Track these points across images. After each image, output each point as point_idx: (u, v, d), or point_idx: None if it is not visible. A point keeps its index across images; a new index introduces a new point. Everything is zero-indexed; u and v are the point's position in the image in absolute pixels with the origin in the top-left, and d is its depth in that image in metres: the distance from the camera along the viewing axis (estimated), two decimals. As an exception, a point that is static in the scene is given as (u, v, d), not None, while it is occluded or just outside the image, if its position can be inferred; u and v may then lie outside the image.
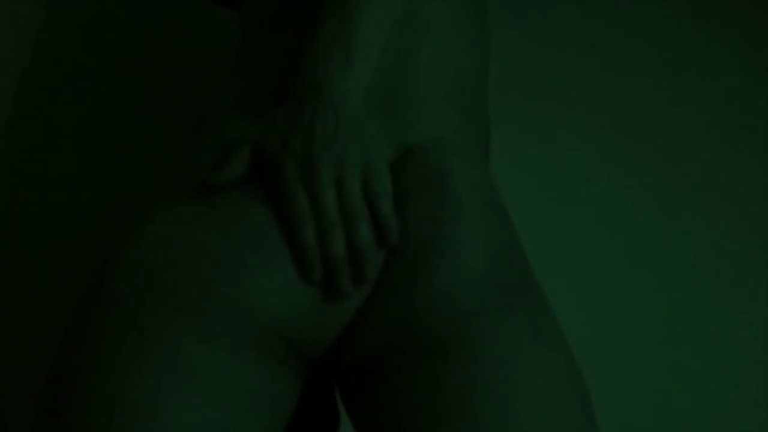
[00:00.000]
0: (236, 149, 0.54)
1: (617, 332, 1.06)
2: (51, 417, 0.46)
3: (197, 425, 0.45)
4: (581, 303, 1.07)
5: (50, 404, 0.46)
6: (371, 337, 0.52)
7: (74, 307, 0.92)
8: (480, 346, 0.50)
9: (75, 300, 0.93)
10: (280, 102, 0.57)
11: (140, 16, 1.09)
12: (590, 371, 1.03)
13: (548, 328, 0.53)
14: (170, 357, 0.46)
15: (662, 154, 1.18)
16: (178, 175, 0.58)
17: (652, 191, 1.15)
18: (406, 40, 0.63)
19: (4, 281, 0.91)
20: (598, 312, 1.07)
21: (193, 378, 0.46)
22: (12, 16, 1.04)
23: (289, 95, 0.57)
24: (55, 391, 0.47)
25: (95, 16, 1.08)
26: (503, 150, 1.13)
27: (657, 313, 1.08)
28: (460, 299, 0.51)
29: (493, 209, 0.57)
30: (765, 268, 1.13)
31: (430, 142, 0.59)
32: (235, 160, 0.53)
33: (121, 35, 1.07)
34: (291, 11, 0.65)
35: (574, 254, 1.09)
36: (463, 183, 0.56)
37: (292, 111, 0.55)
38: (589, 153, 1.16)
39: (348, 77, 0.57)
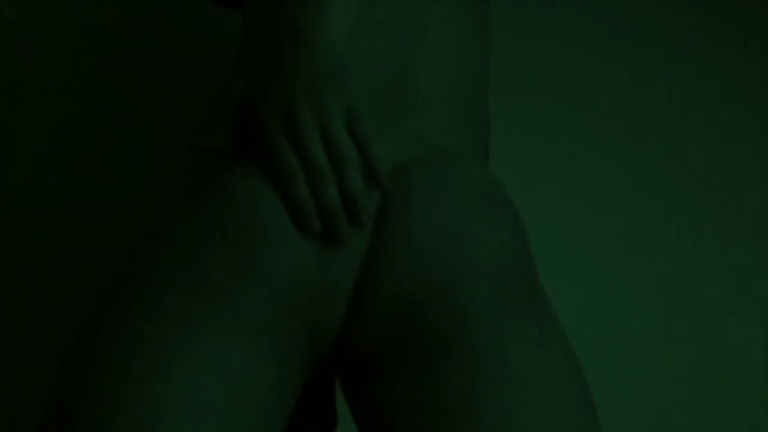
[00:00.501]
0: (220, 110, 0.54)
1: (617, 332, 1.06)
2: (67, 413, 0.45)
3: (211, 424, 0.45)
4: (582, 303, 1.07)
5: (64, 400, 0.46)
6: (376, 331, 0.52)
7: (84, 309, 0.92)
8: (483, 344, 0.50)
9: (82, 300, 0.92)
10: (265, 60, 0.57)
11: (142, 16, 1.09)
12: (590, 371, 1.03)
13: (551, 327, 0.53)
14: (192, 355, 0.45)
15: (663, 153, 1.18)
16: (187, 169, 0.58)
17: (652, 190, 1.15)
18: (406, 42, 0.64)
19: (16, 279, 0.91)
20: (599, 312, 1.07)
21: (215, 375, 0.46)
22: (11, 16, 1.05)
23: (270, 46, 0.56)
24: (69, 388, 0.46)
25: (96, 16, 1.08)
26: (503, 149, 1.13)
27: (657, 312, 1.08)
28: (463, 295, 0.51)
29: (500, 211, 0.57)
30: (766, 267, 1.13)
31: (433, 145, 0.59)
32: (219, 122, 0.53)
33: (122, 36, 1.07)
34: None
35: (573, 254, 1.09)
36: (469, 185, 0.56)
37: (272, 62, 0.54)
38: (588, 153, 1.16)
39: (326, 22, 0.56)
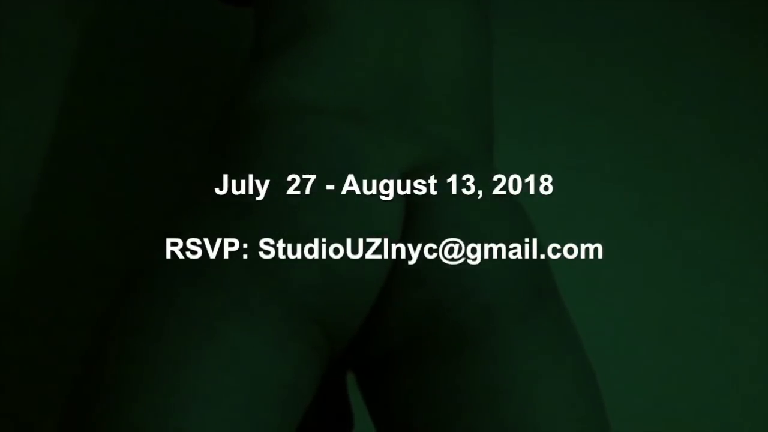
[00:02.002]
0: None
1: (618, 333, 1.06)
2: (85, 404, 0.46)
3: (228, 417, 0.45)
4: (582, 303, 1.07)
5: (83, 391, 0.46)
6: (399, 328, 0.53)
7: (101, 303, 0.92)
8: (505, 342, 0.51)
9: (90, 296, 0.92)
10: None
11: (151, 16, 1.09)
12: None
13: (568, 328, 0.55)
14: (214, 346, 0.46)
15: (661, 153, 1.18)
16: (199, 170, 0.58)
17: (653, 189, 1.16)
18: (415, 41, 0.64)
19: (31, 276, 0.91)
20: (599, 312, 1.07)
21: (233, 367, 0.46)
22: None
23: None
24: (88, 380, 0.47)
25: (102, 17, 1.07)
26: (504, 148, 1.14)
27: (656, 313, 1.08)
28: (487, 295, 0.52)
29: (517, 216, 0.58)
30: (764, 268, 1.14)
31: (445, 144, 0.60)
32: None
33: (131, 36, 1.07)
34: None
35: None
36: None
37: None
38: (587, 152, 1.16)
39: None
